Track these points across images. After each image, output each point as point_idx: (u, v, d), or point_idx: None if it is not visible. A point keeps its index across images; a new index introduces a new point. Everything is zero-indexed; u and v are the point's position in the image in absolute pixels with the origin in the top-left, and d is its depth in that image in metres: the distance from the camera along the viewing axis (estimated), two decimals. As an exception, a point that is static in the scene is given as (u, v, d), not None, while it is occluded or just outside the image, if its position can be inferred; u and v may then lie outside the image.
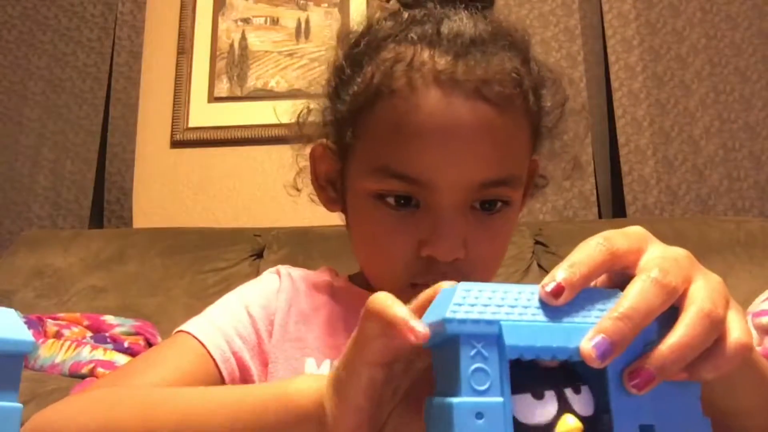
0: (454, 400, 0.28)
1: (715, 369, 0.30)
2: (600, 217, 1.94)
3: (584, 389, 0.31)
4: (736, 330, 0.31)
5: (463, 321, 0.29)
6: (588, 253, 0.32)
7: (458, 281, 0.54)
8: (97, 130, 2.11)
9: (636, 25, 1.99)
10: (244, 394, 0.42)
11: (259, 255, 1.80)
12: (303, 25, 2.17)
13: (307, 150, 0.65)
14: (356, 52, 0.59)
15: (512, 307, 0.30)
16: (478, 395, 0.28)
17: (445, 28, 0.54)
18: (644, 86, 1.96)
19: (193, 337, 0.57)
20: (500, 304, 0.30)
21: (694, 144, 1.93)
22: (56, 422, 0.49)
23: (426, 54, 0.53)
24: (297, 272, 0.65)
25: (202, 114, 2.13)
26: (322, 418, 0.35)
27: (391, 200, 0.54)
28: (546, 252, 1.71)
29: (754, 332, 1.11)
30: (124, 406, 0.47)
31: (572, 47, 2.01)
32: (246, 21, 2.19)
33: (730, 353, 0.30)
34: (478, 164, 0.52)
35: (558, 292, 0.30)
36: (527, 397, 0.30)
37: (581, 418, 0.30)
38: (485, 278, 0.56)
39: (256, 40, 2.17)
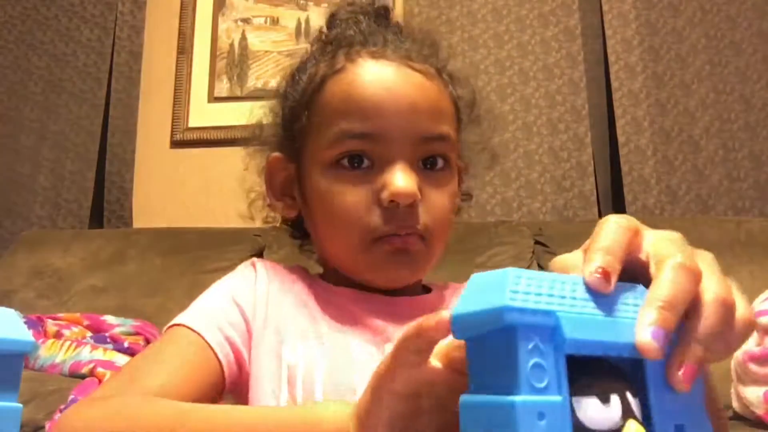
0: (517, 399, 0.25)
1: (728, 349, 0.30)
2: (600, 217, 1.94)
3: (637, 392, 0.29)
4: (741, 306, 0.31)
5: (522, 310, 0.26)
6: (614, 237, 0.31)
7: (419, 232, 0.58)
8: (97, 130, 2.11)
9: (636, 25, 1.99)
10: (270, 415, 0.42)
11: (259, 255, 1.80)
12: (303, 25, 2.17)
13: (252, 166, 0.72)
14: (302, 62, 0.69)
15: (562, 298, 0.28)
16: (538, 393, 0.26)
17: (369, 35, 0.65)
18: (644, 86, 1.96)
19: (190, 329, 0.58)
20: (551, 294, 0.28)
21: (694, 144, 1.93)
22: (79, 429, 0.49)
23: (359, 47, 0.64)
24: (270, 265, 0.68)
25: (202, 114, 2.13)
26: None
27: (345, 162, 0.60)
28: (546, 252, 1.71)
29: (754, 332, 1.11)
30: (146, 422, 0.47)
31: (572, 47, 2.01)
32: (246, 21, 2.19)
33: (740, 331, 0.30)
34: (419, 117, 0.60)
35: (607, 277, 0.29)
36: (594, 401, 0.27)
37: (642, 423, 0.28)
38: (439, 238, 0.63)
39: (256, 40, 2.18)
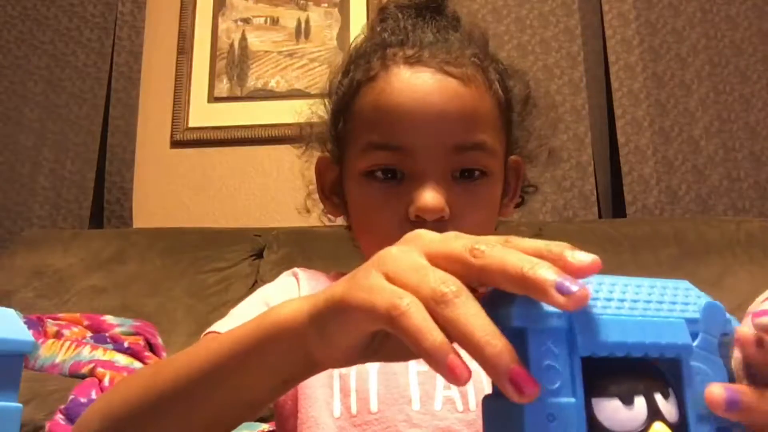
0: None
1: None
2: (600, 217, 1.94)
3: (671, 393, 0.29)
4: None
5: (531, 314, 0.27)
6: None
7: None
8: (97, 130, 2.11)
9: (636, 25, 1.99)
10: (243, 324, 0.42)
11: (259, 255, 1.80)
12: (303, 25, 2.17)
13: (312, 160, 0.71)
14: (345, 63, 0.68)
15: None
16: (550, 395, 0.26)
17: (411, 33, 0.64)
18: (644, 86, 1.95)
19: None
20: None
21: (694, 144, 1.93)
22: (112, 401, 0.50)
23: (397, 49, 0.63)
24: (312, 273, 0.68)
25: (202, 114, 2.13)
26: (308, 347, 0.35)
27: (379, 174, 0.60)
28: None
29: (754, 332, 1.11)
30: (161, 371, 0.48)
31: (572, 47, 2.01)
32: (246, 21, 2.19)
33: None
34: (449, 127, 0.59)
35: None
36: (615, 403, 0.27)
37: (671, 426, 0.28)
38: None
39: (256, 40, 2.17)
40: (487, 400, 0.29)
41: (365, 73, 0.63)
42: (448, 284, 0.29)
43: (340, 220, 0.71)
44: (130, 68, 2.15)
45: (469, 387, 0.55)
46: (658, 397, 0.28)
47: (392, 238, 0.55)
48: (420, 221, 0.57)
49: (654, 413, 0.28)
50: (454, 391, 0.55)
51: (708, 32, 1.98)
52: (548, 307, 0.27)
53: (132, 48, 2.16)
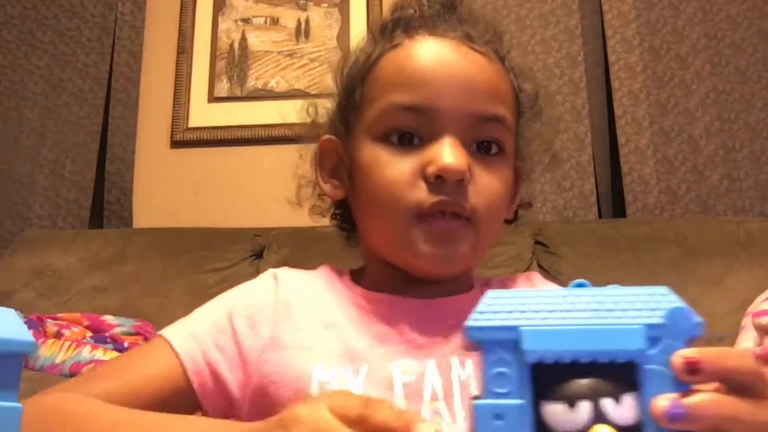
0: (476, 401, 0.31)
1: None
2: (600, 217, 1.94)
3: (628, 397, 0.31)
4: None
5: (482, 328, 0.31)
6: None
7: (465, 214, 0.55)
8: (97, 130, 2.11)
9: (636, 25, 1.99)
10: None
11: (259, 255, 1.80)
12: (303, 25, 2.17)
13: (306, 158, 0.69)
14: (360, 43, 0.67)
15: (535, 312, 0.31)
16: (498, 398, 0.30)
17: (430, 18, 0.63)
18: (644, 86, 1.95)
19: (170, 346, 0.57)
20: (523, 310, 0.31)
21: (694, 144, 1.93)
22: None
23: (420, 25, 0.62)
24: (295, 276, 0.64)
25: (202, 114, 2.13)
26: None
27: (395, 138, 0.58)
28: (546, 252, 1.71)
29: (754, 332, 1.11)
30: (60, 422, 0.47)
31: (572, 47, 2.00)
32: (246, 21, 2.19)
33: None
34: (474, 95, 0.57)
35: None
36: (560, 406, 0.30)
37: (618, 428, 0.30)
38: (489, 225, 0.58)
39: (256, 40, 2.17)
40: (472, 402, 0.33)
41: (388, 43, 0.62)
42: None
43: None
44: (130, 68, 2.15)
45: (456, 398, 0.53)
46: (607, 401, 0.30)
47: (404, 197, 0.55)
48: (438, 182, 0.55)
49: (599, 416, 0.30)
50: (440, 402, 0.53)
51: (708, 32, 1.98)
52: (500, 323, 0.31)
53: (132, 48, 2.16)
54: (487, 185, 0.57)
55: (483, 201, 0.57)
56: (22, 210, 2.05)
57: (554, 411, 0.30)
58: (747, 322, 1.14)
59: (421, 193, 0.55)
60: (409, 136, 0.57)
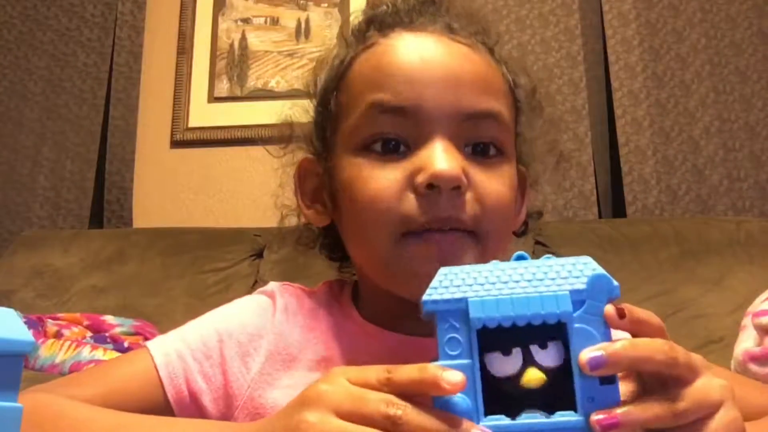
0: (433, 363, 0.36)
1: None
2: (600, 217, 1.94)
3: (553, 345, 0.36)
4: None
5: (436, 301, 0.37)
6: None
7: (466, 227, 0.51)
8: (97, 130, 2.11)
9: (636, 25, 1.99)
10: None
11: (259, 255, 1.80)
12: (303, 25, 2.17)
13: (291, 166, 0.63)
14: (334, 47, 0.61)
15: (481, 285, 0.37)
16: (451, 359, 0.36)
17: (406, 14, 0.58)
18: (644, 86, 1.95)
19: (153, 360, 0.54)
20: (471, 284, 0.37)
21: (694, 144, 1.93)
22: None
23: (394, 22, 0.57)
24: (293, 292, 0.61)
25: (202, 114, 2.13)
26: None
27: (377, 147, 0.51)
28: (546, 252, 1.71)
29: (754, 332, 1.11)
30: (59, 423, 0.46)
31: (572, 47, 2.00)
32: (246, 21, 2.19)
33: None
34: (462, 90, 0.51)
35: None
36: (497, 354, 0.36)
37: (545, 369, 0.36)
38: (495, 235, 0.51)
39: (256, 40, 2.17)
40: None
41: (361, 43, 0.56)
42: (392, 406, 0.34)
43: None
44: (130, 68, 2.15)
45: None
46: (534, 348, 0.36)
47: (391, 212, 0.49)
48: (431, 192, 0.48)
49: (528, 360, 0.36)
50: None
51: (708, 32, 1.98)
52: (450, 296, 0.37)
53: (132, 48, 2.16)
54: (488, 190, 0.50)
55: (486, 207, 0.50)
56: (22, 210, 2.05)
57: (493, 359, 0.36)
58: (747, 321, 1.14)
59: (411, 207, 0.49)
60: (393, 144, 0.51)
